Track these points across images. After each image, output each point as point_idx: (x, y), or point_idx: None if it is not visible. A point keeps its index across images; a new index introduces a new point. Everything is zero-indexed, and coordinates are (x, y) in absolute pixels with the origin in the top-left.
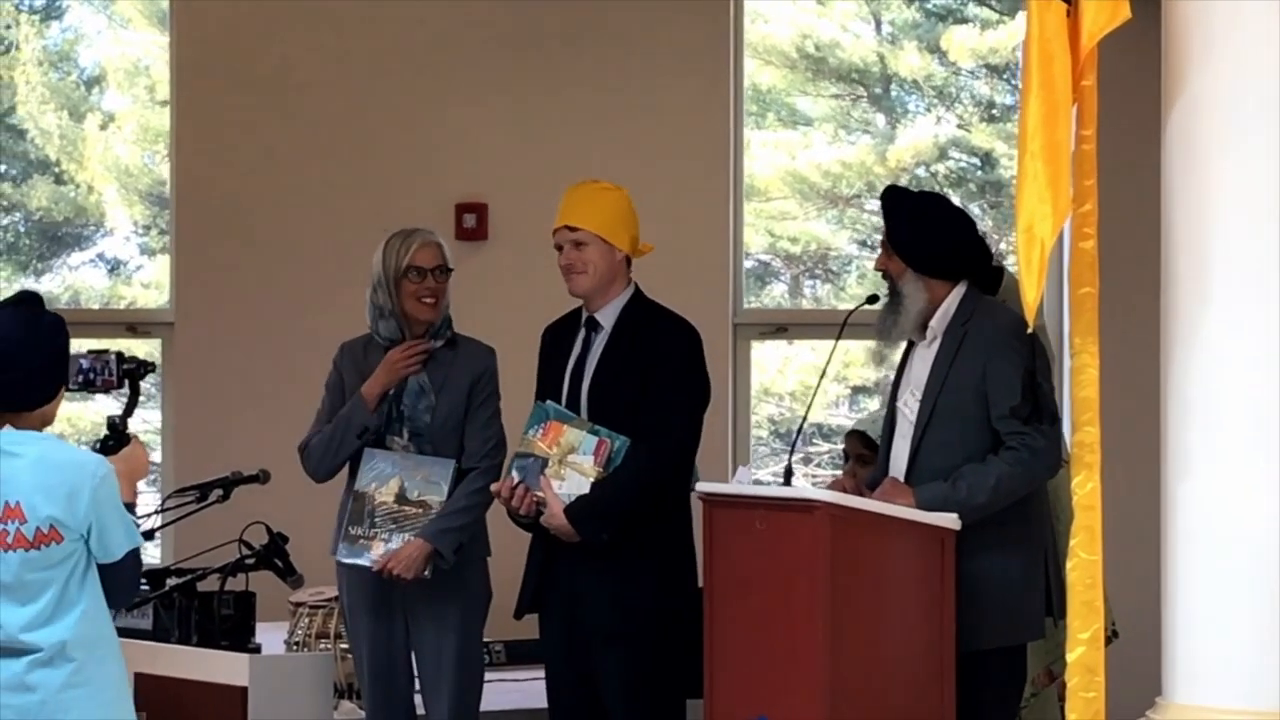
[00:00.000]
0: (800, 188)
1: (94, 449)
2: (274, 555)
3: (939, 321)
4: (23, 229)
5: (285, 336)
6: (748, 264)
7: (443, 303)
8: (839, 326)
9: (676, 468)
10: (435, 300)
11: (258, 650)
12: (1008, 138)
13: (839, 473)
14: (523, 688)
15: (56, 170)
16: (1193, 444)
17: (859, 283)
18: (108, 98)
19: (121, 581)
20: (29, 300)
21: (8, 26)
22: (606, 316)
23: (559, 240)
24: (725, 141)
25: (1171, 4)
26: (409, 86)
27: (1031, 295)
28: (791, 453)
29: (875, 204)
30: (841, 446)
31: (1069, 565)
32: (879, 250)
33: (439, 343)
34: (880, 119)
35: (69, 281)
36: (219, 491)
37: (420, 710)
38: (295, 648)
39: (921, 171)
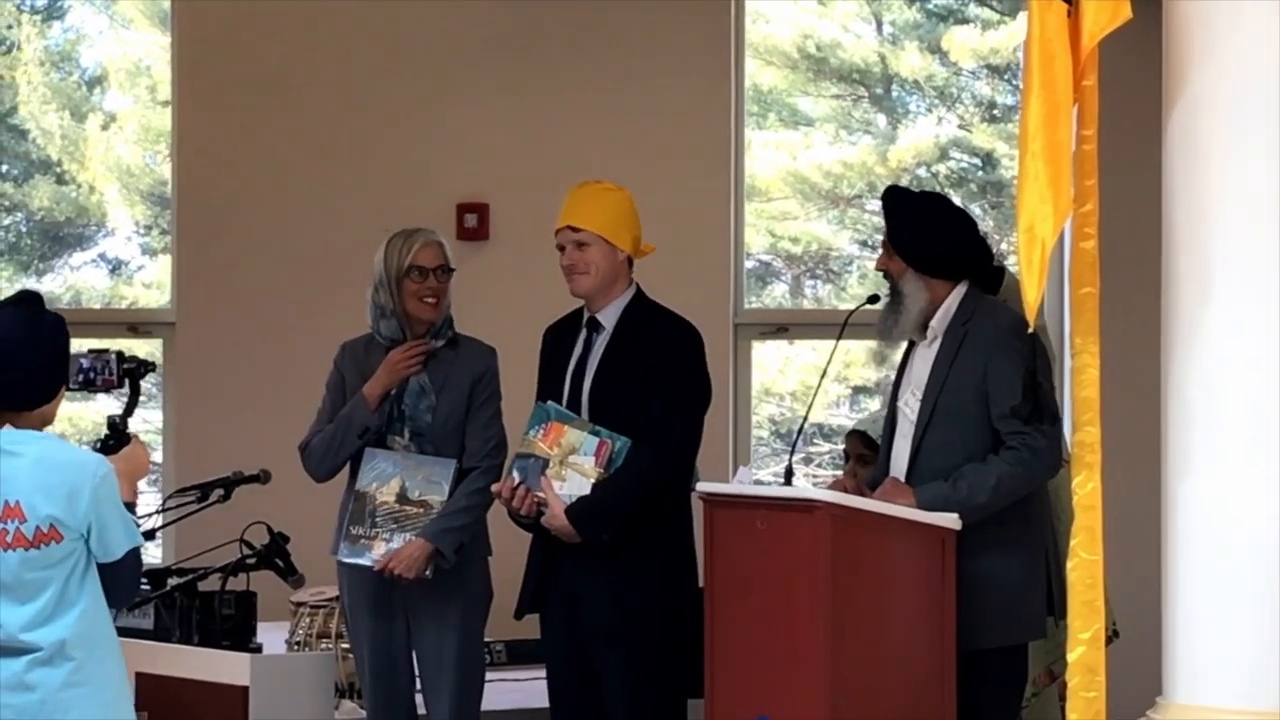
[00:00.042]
0: (801, 188)
1: (94, 449)
2: (275, 555)
3: (940, 321)
4: (24, 229)
5: (286, 336)
6: (749, 264)
7: (444, 302)
8: (840, 327)
9: (677, 468)
10: (437, 300)
11: (259, 650)
12: (1009, 138)
13: (840, 473)
14: (524, 687)
15: (58, 170)
16: (1193, 444)
17: (860, 283)
18: (109, 98)
19: (121, 581)
20: (29, 300)
21: (9, 27)
22: (608, 317)
23: (561, 240)
24: (726, 142)
25: (1172, 4)
26: (410, 87)
27: (1032, 295)
28: (792, 453)
29: (876, 204)
30: (842, 446)
31: (1069, 565)
32: (880, 250)
33: (440, 343)
34: (881, 119)
35: (70, 281)
36: (220, 491)
37: (421, 710)
38: (296, 647)
39: (923, 172)
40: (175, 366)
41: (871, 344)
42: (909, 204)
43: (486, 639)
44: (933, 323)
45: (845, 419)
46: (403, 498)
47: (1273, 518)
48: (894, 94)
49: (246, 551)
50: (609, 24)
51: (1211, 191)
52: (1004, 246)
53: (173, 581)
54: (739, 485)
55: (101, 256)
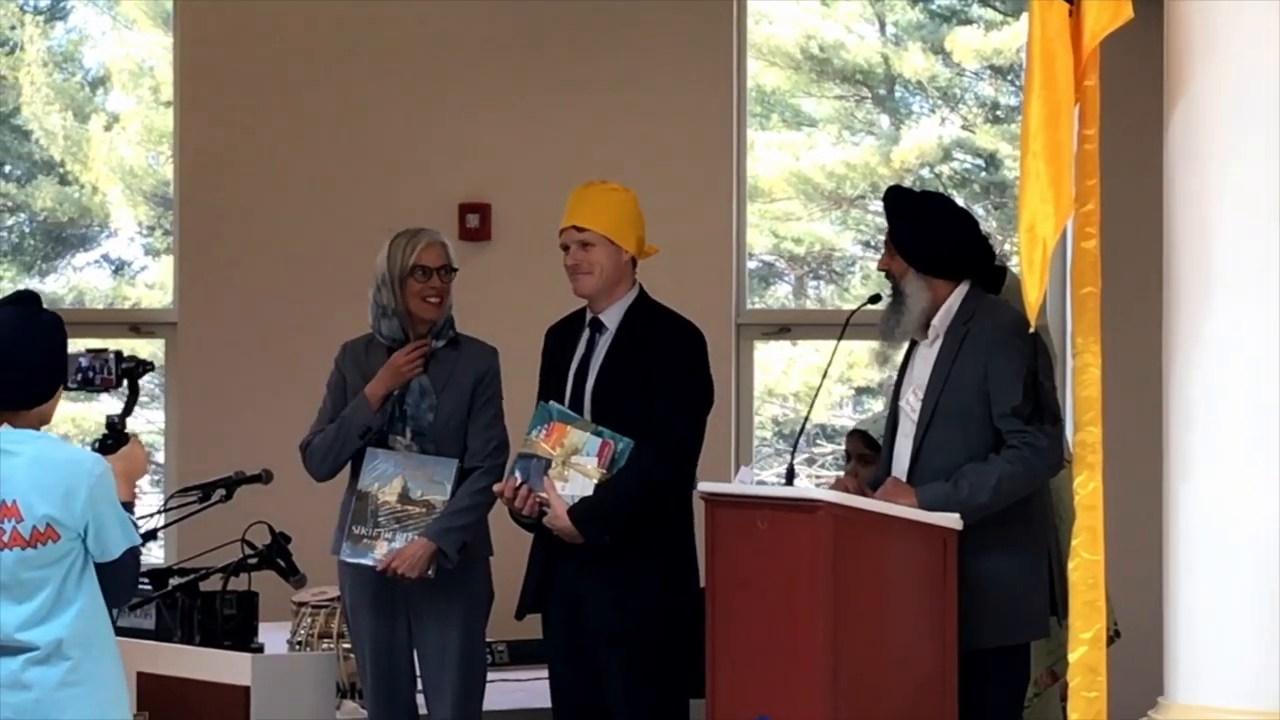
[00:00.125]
0: (804, 189)
1: (93, 448)
2: (276, 555)
3: (941, 321)
4: (27, 229)
5: (288, 337)
6: (752, 265)
7: (446, 302)
8: (841, 327)
9: (680, 469)
10: (440, 300)
11: (260, 650)
12: (1012, 139)
13: (843, 473)
14: (526, 687)
15: (61, 171)
16: (1194, 444)
17: (863, 283)
18: (112, 98)
19: (119, 580)
20: (27, 299)
21: (13, 27)
22: (611, 317)
23: (565, 240)
24: (728, 142)
25: (1174, 4)
26: (412, 87)
27: (1034, 295)
28: (794, 453)
29: (879, 205)
30: (844, 447)
31: (1071, 565)
32: (882, 251)
33: (440, 343)
34: (884, 120)
35: (73, 282)
36: (222, 491)
37: (422, 710)
38: (298, 647)
39: (925, 172)
40: (177, 367)
41: (874, 344)
42: (910, 204)
43: (488, 639)
44: (934, 322)
45: (848, 419)
46: (405, 497)
47: (1274, 518)
48: (897, 95)
49: (248, 551)
50: (611, 24)
51: (1213, 191)
52: (1007, 247)
53: (174, 581)
54: (740, 485)
55: (104, 257)
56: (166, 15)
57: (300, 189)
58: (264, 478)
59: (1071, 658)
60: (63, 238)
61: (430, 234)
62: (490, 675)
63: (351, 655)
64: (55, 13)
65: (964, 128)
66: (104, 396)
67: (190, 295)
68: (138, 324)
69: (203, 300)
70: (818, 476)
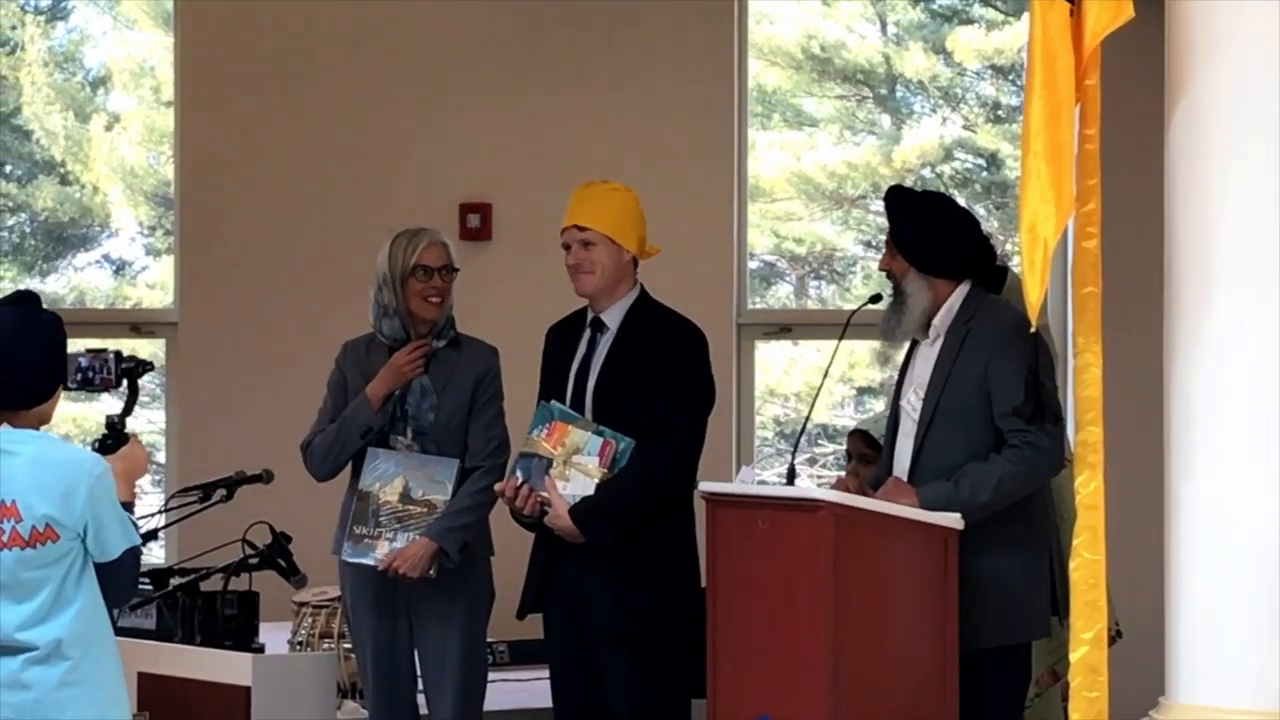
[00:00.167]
0: (805, 188)
1: (93, 448)
2: (277, 555)
3: (942, 320)
4: (28, 229)
5: (289, 336)
6: (753, 265)
7: (447, 302)
8: (842, 326)
9: (681, 469)
10: (441, 300)
11: (261, 650)
12: (1013, 139)
13: (844, 473)
14: (527, 687)
15: (62, 171)
16: (1196, 444)
17: (864, 283)
18: (113, 98)
19: (119, 580)
20: (26, 299)
21: (13, 27)
22: (612, 317)
23: (567, 239)
24: (729, 142)
25: (1175, 4)
26: (413, 87)
27: (1035, 295)
28: (794, 453)
29: (880, 205)
30: (845, 447)
31: (1072, 565)
32: (884, 251)
33: (441, 343)
34: (886, 120)
35: (74, 282)
36: (222, 491)
37: (423, 710)
38: (298, 647)
39: (927, 172)
40: (178, 367)
41: (876, 344)
42: (911, 203)
43: (489, 639)
44: (935, 321)
45: (849, 420)
46: (406, 497)
47: (1275, 517)
48: (898, 94)
49: (249, 551)
50: (613, 24)
51: (1214, 191)
52: (1009, 247)
53: (175, 581)
54: (741, 485)
55: (105, 257)
56: (167, 15)
57: (301, 189)
58: (265, 478)
59: (1073, 657)
60: (63, 238)
61: (431, 234)
62: (491, 675)
63: (352, 655)
64: (56, 13)
65: (965, 127)
66: (105, 396)
67: (191, 295)
68: (138, 324)
69: (203, 300)
70: (819, 476)
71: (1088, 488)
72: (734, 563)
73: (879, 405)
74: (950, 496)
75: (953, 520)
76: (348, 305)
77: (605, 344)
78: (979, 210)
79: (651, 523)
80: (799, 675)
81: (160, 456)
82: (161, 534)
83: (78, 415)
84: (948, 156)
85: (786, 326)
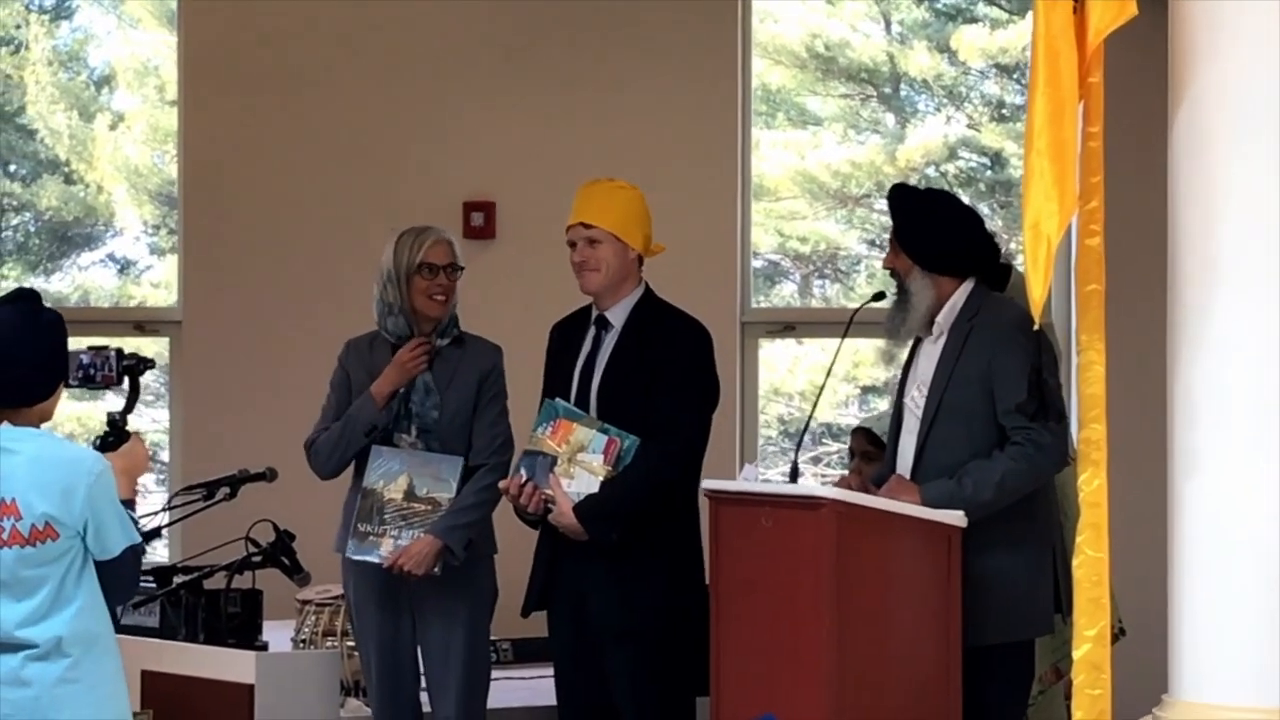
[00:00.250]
0: (810, 187)
1: (94, 446)
2: (281, 553)
3: (945, 317)
4: (32, 229)
5: (292, 335)
6: (757, 264)
7: (452, 300)
8: (845, 324)
9: (686, 467)
10: (445, 298)
11: (264, 648)
12: (1017, 137)
13: (847, 471)
14: (530, 685)
15: (66, 170)
16: (1199, 442)
17: (868, 282)
18: (117, 97)
19: (119, 579)
20: (27, 297)
21: (18, 26)
22: (617, 315)
23: (572, 237)
24: (733, 141)
25: (1177, 4)
26: (417, 86)
27: (1038, 292)
28: (798, 451)
29: (884, 204)
30: (848, 445)
31: (1075, 562)
32: (888, 249)
33: (445, 341)
34: (890, 119)
35: (79, 281)
36: (226, 489)
37: (426, 708)
38: (302, 645)
39: (931, 171)
40: (182, 365)
41: (880, 343)
42: (915, 201)
43: (492, 637)
44: (938, 319)
45: (854, 418)
46: (410, 495)
47: (1277, 516)
48: (902, 93)
49: (252, 549)
50: (616, 23)
51: (1217, 189)
52: (1012, 246)
53: (178, 579)
54: (744, 483)
55: (110, 256)
56: (171, 14)
57: (304, 188)
58: (268, 476)
59: (1076, 655)
60: (68, 237)
61: (437, 232)
62: (494, 673)
63: (356, 653)
64: (60, 12)
65: (969, 126)
66: (109, 395)
67: (195, 294)
68: (142, 323)
69: (207, 299)
70: (823, 475)
71: (1091, 485)
72: (737, 561)
73: (883, 404)
74: (953, 494)
75: (956, 518)
76: (351, 304)
77: (610, 342)
78: (983, 209)
79: (656, 521)
80: (802, 673)
81: (164, 455)
82: (165, 532)
83: (81, 414)
84: (952, 155)
85: (790, 325)
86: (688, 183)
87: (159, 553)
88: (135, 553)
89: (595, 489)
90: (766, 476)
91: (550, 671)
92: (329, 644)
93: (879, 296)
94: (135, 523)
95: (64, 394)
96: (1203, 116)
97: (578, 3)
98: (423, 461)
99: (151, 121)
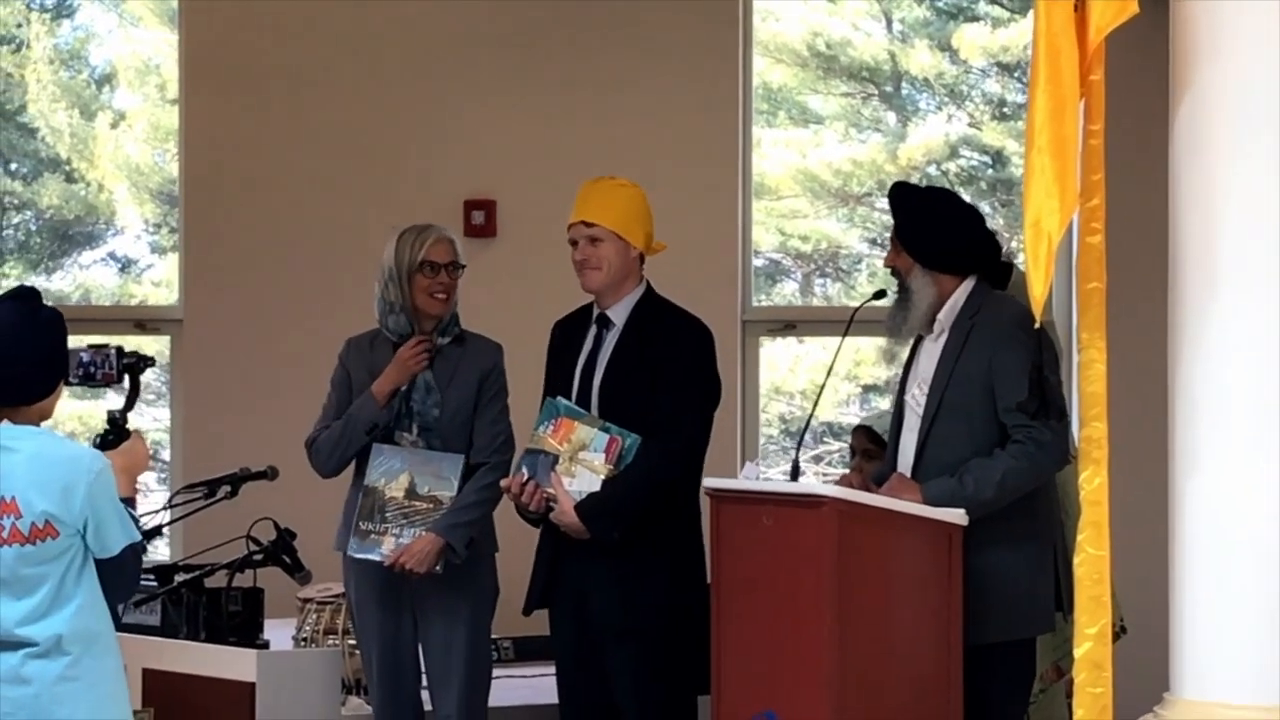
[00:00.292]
0: (811, 186)
1: (94, 444)
2: (282, 551)
3: (947, 315)
4: (33, 227)
5: (293, 333)
6: (758, 263)
7: (453, 298)
8: (846, 323)
9: (688, 466)
10: (447, 296)
11: (266, 646)
12: (1019, 136)
13: (848, 470)
14: (532, 684)
15: (67, 168)
16: (1200, 441)
17: (870, 281)
18: (118, 96)
19: (120, 576)
20: (26, 295)
21: (19, 25)
22: (618, 313)
23: (574, 235)
24: (734, 139)
25: (1179, 4)
26: (417, 84)
27: (1039, 290)
28: (798, 449)
29: (886, 202)
30: (849, 443)
31: (1076, 560)
32: (889, 247)
33: (446, 339)
34: (891, 117)
35: (80, 280)
36: (227, 487)
37: (428, 706)
38: (303, 643)
39: (932, 169)
40: (183, 364)
41: (881, 342)
42: (915, 199)
43: (494, 635)
44: (940, 317)
45: (855, 417)
46: (412, 493)
47: (1278, 514)
48: (904, 92)
49: (253, 548)
50: (618, 21)
51: (1218, 189)
52: (1014, 244)
53: (180, 578)
54: (745, 481)
55: (111, 255)
56: (172, 13)
57: (305, 186)
58: (269, 474)
59: (1077, 653)
60: (69, 235)
61: (438, 230)
62: (495, 671)
63: (357, 651)
64: (61, 10)
65: (971, 125)
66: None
67: (195, 292)
68: (143, 321)
69: (208, 297)
70: (825, 474)
71: (1092, 483)
72: (738, 559)
73: (885, 403)
74: (954, 492)
75: (957, 516)
76: (352, 302)
77: (611, 340)
78: (984, 208)
79: (658, 519)
80: (803, 671)
81: (165, 454)
82: (166, 530)
83: (83, 413)
84: (953, 154)
85: (791, 324)
86: (689, 181)
87: (160, 551)
88: (135, 551)
89: (597, 487)
90: (767, 475)
91: (551, 670)
92: (330, 642)
93: (880, 295)
94: (135, 521)
95: (65, 393)
96: (1204, 116)
97: (579, 1)
98: (424, 460)
99: (152, 120)
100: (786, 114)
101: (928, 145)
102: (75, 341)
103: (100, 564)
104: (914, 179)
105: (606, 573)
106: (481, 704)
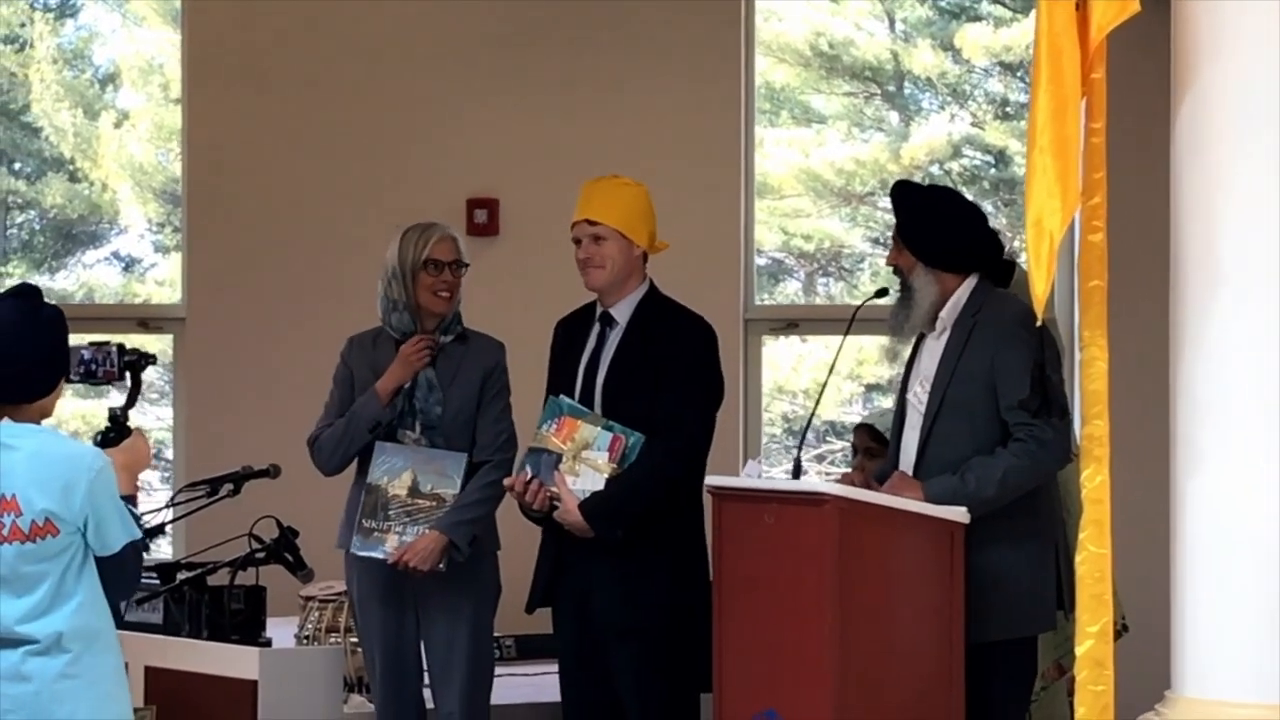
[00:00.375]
0: (814, 185)
1: (95, 441)
2: (284, 549)
3: (949, 313)
4: (37, 226)
5: (296, 332)
6: (761, 262)
7: (456, 297)
8: (848, 321)
9: (691, 464)
10: (450, 294)
11: (268, 644)
12: (1021, 135)
13: (850, 468)
14: (534, 682)
15: (71, 168)
16: (1202, 440)
17: (872, 280)
18: (122, 95)
19: (120, 574)
20: (27, 293)
21: (23, 24)
22: (621, 312)
23: (577, 234)
24: (737, 139)
25: (1180, 4)
26: (420, 83)
27: (1041, 288)
28: (800, 447)
29: (888, 201)
30: (851, 441)
31: (1078, 559)
32: (891, 246)
33: (448, 338)
34: (894, 116)
35: (83, 279)
36: (229, 486)
37: (429, 704)
38: (305, 642)
39: (935, 169)
40: (186, 362)
41: (884, 341)
42: (917, 197)
43: (496, 634)
44: (942, 314)
45: (858, 416)
46: (415, 491)
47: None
48: (906, 91)
49: (256, 546)
50: (620, 21)
51: (1219, 188)
52: (1016, 244)
53: (182, 576)
54: (747, 479)
55: (114, 254)
56: (175, 13)
57: (308, 185)
58: (271, 472)
59: (1079, 651)
60: (73, 235)
61: (442, 228)
62: (498, 670)
63: (359, 649)
64: (65, 10)
65: (973, 124)
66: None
67: (199, 291)
68: (146, 320)
69: (211, 296)
70: (827, 474)
71: (1094, 481)
72: (740, 557)
73: (888, 402)
74: (956, 490)
75: (958, 514)
76: (355, 301)
77: (614, 339)
78: (987, 207)
79: (661, 518)
80: (804, 669)
81: (168, 453)
82: (169, 528)
83: (87, 412)
84: (956, 153)
85: (793, 322)
86: (691, 180)
87: (163, 549)
88: (136, 549)
89: (600, 486)
90: (770, 473)
91: (553, 668)
92: (332, 640)
93: (882, 293)
94: (136, 518)
95: (68, 392)
96: (1205, 115)
97: (582, 1)
98: (427, 458)
99: (156, 119)
100: (789, 113)
101: (930, 145)
102: (76, 339)
103: (101, 562)
104: (916, 178)
105: (609, 571)
106: (484, 702)
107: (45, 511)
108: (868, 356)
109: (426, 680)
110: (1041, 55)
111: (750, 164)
